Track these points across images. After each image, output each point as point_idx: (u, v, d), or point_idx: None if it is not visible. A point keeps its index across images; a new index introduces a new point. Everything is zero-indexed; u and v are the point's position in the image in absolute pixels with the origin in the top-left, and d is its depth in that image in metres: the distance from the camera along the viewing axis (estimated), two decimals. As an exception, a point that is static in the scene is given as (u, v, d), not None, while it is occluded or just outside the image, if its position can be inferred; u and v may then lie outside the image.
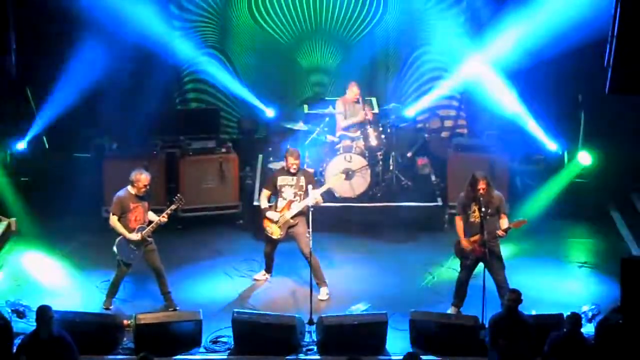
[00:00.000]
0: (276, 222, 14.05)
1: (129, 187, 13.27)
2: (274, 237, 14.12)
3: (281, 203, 14.14)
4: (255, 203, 16.68)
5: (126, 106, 17.69)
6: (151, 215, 13.44)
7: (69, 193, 16.63)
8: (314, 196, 13.90)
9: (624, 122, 17.13)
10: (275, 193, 14.23)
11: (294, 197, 14.06)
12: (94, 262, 14.81)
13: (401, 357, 11.25)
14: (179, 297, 13.69)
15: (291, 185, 14.09)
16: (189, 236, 16.33)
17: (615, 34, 12.28)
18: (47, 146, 17.85)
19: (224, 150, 17.04)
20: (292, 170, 14.09)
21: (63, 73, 17.03)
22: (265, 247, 14.46)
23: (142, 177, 13.21)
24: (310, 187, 13.96)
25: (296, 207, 14.00)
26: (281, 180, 14.15)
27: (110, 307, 13.51)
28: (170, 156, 17.09)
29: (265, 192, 14.30)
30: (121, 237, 13.24)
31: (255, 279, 14.67)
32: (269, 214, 14.11)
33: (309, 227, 13.57)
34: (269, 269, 14.63)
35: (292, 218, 14.02)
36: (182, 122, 18.29)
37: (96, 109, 17.64)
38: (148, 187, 13.32)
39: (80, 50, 17.08)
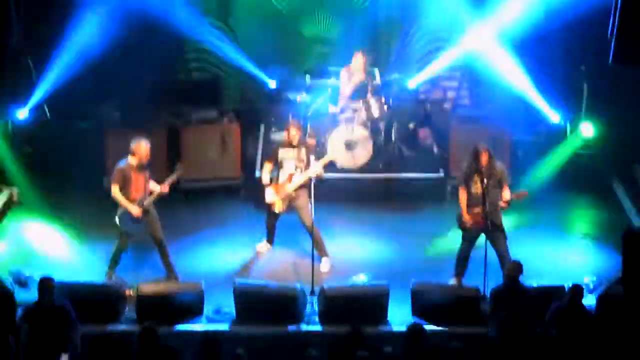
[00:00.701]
0: (276, 197, 14.05)
1: (130, 158, 13.23)
2: (277, 210, 14.13)
3: (282, 176, 14.11)
4: (257, 174, 16.70)
5: (128, 75, 17.59)
6: (153, 185, 13.41)
7: (71, 162, 16.62)
8: (315, 168, 13.88)
9: (627, 94, 17.05)
10: (277, 165, 14.21)
11: (295, 169, 14.05)
12: (96, 232, 14.80)
13: (403, 328, 11.28)
14: (181, 268, 13.70)
15: (292, 158, 14.07)
16: (190, 207, 16.34)
17: (618, 4, 12.24)
18: (48, 115, 17.79)
19: (226, 120, 17.01)
20: (293, 143, 14.06)
21: (64, 41, 16.96)
22: (267, 218, 14.47)
23: (142, 145, 13.17)
24: (312, 158, 13.94)
25: (297, 180, 13.99)
26: (282, 152, 14.12)
27: (113, 277, 13.52)
28: (172, 126, 17.09)
29: (267, 166, 14.26)
30: (123, 208, 13.22)
31: (257, 250, 14.68)
32: (266, 190, 14.10)
33: (310, 199, 13.57)
34: (270, 240, 14.63)
35: (293, 191, 14.01)
36: (184, 92, 18.27)
37: (98, 78, 17.55)
38: (149, 156, 13.30)
39: (82, 19, 16.99)
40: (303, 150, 14.09)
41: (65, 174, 16.42)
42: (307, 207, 13.81)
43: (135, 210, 13.17)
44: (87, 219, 15.55)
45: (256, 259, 14.49)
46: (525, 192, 13.14)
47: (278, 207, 14.11)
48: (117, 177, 13.23)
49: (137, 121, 16.64)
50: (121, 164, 13.28)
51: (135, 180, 13.23)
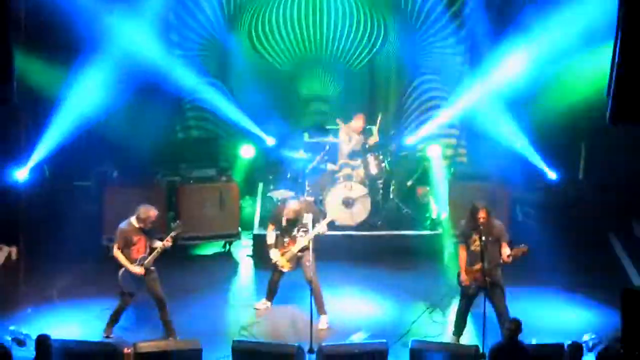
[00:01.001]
0: (282, 258, 14.14)
1: (133, 220, 13.27)
2: (285, 270, 14.24)
3: (287, 238, 14.22)
4: (254, 232, 16.76)
5: (127, 134, 17.69)
6: (157, 243, 13.43)
7: (70, 221, 16.64)
8: (318, 230, 13.97)
9: (624, 151, 17.14)
10: (280, 228, 14.27)
11: (298, 232, 14.15)
12: (94, 290, 14.79)
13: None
14: (180, 326, 13.64)
15: (295, 224, 14.16)
16: (188, 265, 16.35)
17: (616, 62, 12.30)
18: (47, 174, 17.82)
19: (224, 178, 17.06)
20: (293, 219, 14.16)
21: (64, 101, 17.05)
22: (271, 275, 14.50)
23: (151, 213, 13.25)
24: (310, 217, 13.96)
25: (302, 241, 14.07)
26: (285, 220, 14.22)
27: (111, 336, 13.48)
28: (171, 184, 17.15)
29: (271, 227, 14.41)
30: (124, 268, 13.23)
31: (256, 308, 14.65)
32: (271, 252, 14.23)
33: (312, 255, 13.62)
34: (270, 297, 14.62)
35: (299, 251, 14.07)
36: (183, 151, 18.38)
37: (97, 137, 17.63)
38: (153, 223, 13.36)
39: (82, 78, 17.10)
40: (304, 215, 14.13)
41: (64, 232, 16.40)
42: (311, 263, 13.85)
43: (137, 270, 13.17)
44: (86, 276, 15.52)
45: (255, 317, 14.44)
46: (525, 248, 13.07)
47: (286, 267, 14.23)
48: (119, 239, 13.26)
49: (136, 180, 16.69)
50: (124, 226, 13.31)
51: (137, 241, 13.26)
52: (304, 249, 14.05)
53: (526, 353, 11.74)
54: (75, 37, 16.94)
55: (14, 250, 16.01)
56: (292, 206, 14.21)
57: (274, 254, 14.22)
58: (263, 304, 14.65)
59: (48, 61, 16.98)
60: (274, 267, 14.33)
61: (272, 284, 14.53)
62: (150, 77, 17.62)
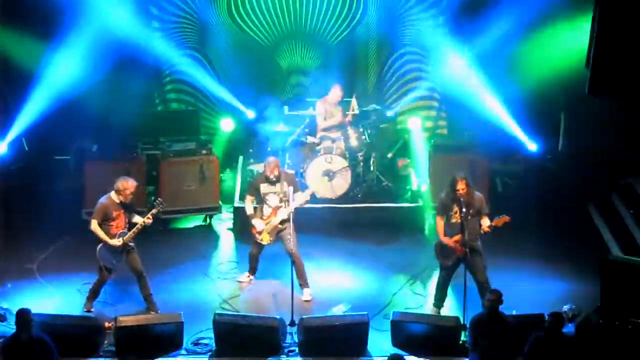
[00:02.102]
0: (264, 229, 14.05)
1: (113, 194, 13.23)
2: (264, 243, 14.14)
3: (267, 210, 14.13)
4: (235, 205, 16.75)
5: (106, 108, 17.63)
6: (137, 218, 13.40)
7: (49, 195, 16.60)
8: (299, 200, 13.91)
9: (604, 122, 17.19)
10: (259, 198, 14.20)
11: (280, 202, 14.07)
12: (75, 265, 14.74)
13: (384, 358, 11.26)
14: (160, 300, 13.64)
15: (275, 192, 14.08)
16: (169, 238, 16.35)
17: (594, 35, 12.32)
18: (26, 148, 17.77)
19: (204, 152, 17.01)
20: (272, 179, 14.06)
21: (43, 74, 16.97)
22: (251, 249, 14.45)
23: (129, 185, 13.19)
24: (291, 190, 13.92)
25: (283, 213, 13.97)
26: (264, 187, 14.11)
27: (91, 310, 13.46)
28: (151, 158, 17.10)
29: (249, 198, 14.27)
30: (102, 242, 13.20)
31: (239, 281, 14.66)
32: (254, 221, 14.12)
33: (293, 228, 13.59)
34: (252, 271, 14.62)
35: (280, 223, 14.01)
36: (163, 124, 18.30)
37: (76, 111, 17.55)
38: (133, 194, 13.31)
39: (60, 51, 17.02)
40: (284, 183, 14.08)
41: (44, 206, 16.36)
42: (292, 236, 13.82)
43: (116, 242, 13.14)
44: (66, 251, 15.50)
45: (236, 290, 14.45)
46: (507, 218, 13.02)
47: (265, 240, 14.11)
48: (98, 213, 13.20)
49: (116, 153, 16.64)
50: (103, 201, 13.26)
51: (116, 216, 13.23)
52: (284, 221, 14.00)
53: (507, 324, 11.82)
54: (54, 10, 16.85)
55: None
56: (271, 160, 14.08)
57: (258, 223, 14.08)
58: (246, 277, 14.64)
59: (26, 34, 16.92)
60: (254, 241, 14.28)
61: (253, 258, 14.49)
62: (129, 50, 17.55)
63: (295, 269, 13.73)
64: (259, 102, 18.49)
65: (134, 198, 13.45)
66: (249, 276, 14.64)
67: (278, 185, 14.08)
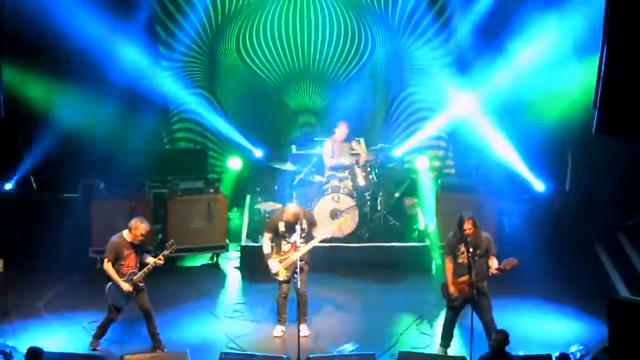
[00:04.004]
0: (280, 266, 13.92)
1: (125, 233, 13.27)
2: (280, 278, 13.94)
3: (285, 246, 13.99)
4: (242, 243, 16.77)
5: (114, 146, 17.69)
6: (147, 258, 13.43)
7: (57, 233, 16.63)
8: (321, 236, 13.91)
9: (611, 161, 17.20)
10: (277, 236, 14.04)
11: (300, 238, 13.82)
12: (81, 303, 14.75)
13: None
14: (167, 338, 13.61)
15: (295, 230, 13.87)
16: (176, 276, 16.32)
17: (602, 75, 12.36)
18: (34, 186, 17.82)
19: (212, 190, 17.03)
20: (293, 222, 13.89)
21: (51, 112, 17.06)
22: (278, 292, 14.11)
23: (142, 226, 13.21)
24: (314, 230, 13.94)
25: (302, 249, 13.76)
26: (283, 225, 14.01)
27: (98, 348, 13.43)
28: (158, 196, 17.13)
29: (267, 235, 14.11)
30: (112, 282, 13.22)
31: (275, 336, 14.18)
32: (269, 262, 13.93)
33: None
34: (283, 321, 14.20)
35: (298, 260, 13.66)
36: (171, 162, 18.36)
37: (84, 148, 17.63)
38: (144, 236, 13.34)
39: (69, 90, 17.11)
40: (304, 220, 13.96)
41: (51, 244, 16.38)
42: (305, 274, 13.80)
43: (126, 287, 13.16)
44: (73, 289, 15.51)
45: (242, 329, 14.38)
46: (515, 261, 13.00)
47: (282, 275, 13.93)
48: (110, 252, 13.22)
49: (123, 191, 16.67)
50: (115, 238, 13.28)
51: (127, 255, 13.24)
52: (302, 258, 13.79)
53: (514, 364, 11.77)
54: (62, 49, 16.96)
55: (0, 262, 15.96)
56: (292, 209, 13.98)
57: (274, 264, 13.92)
58: (280, 331, 14.21)
59: (35, 73, 17.01)
60: (279, 283, 14.02)
61: (281, 304, 14.10)
62: (137, 88, 17.64)
63: (301, 307, 13.70)
64: (266, 141, 18.56)
65: (144, 240, 13.46)
66: (282, 330, 14.21)
67: (298, 222, 13.88)
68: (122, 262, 13.22)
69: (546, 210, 17.93)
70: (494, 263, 13.06)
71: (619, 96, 12.31)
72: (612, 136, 14.20)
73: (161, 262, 13.30)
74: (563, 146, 18.02)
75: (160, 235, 16.79)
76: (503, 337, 11.70)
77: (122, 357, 12.39)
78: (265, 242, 14.10)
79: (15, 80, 15.83)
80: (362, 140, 17.63)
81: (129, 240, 13.23)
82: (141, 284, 13.32)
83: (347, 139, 17.23)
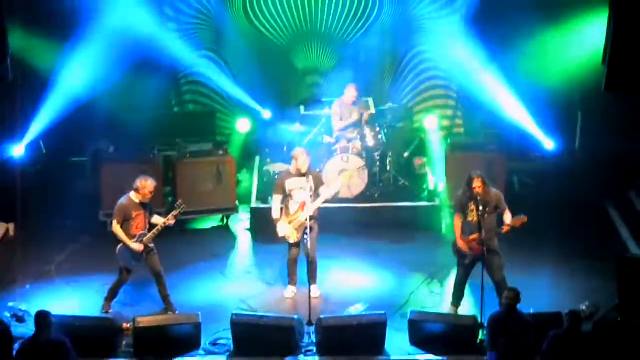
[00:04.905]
0: (290, 227, 13.83)
1: (132, 194, 13.24)
2: (291, 240, 13.87)
3: (293, 207, 13.88)
4: (252, 205, 16.78)
5: (123, 109, 17.69)
6: (157, 219, 13.42)
7: (67, 197, 16.66)
8: (329, 193, 13.83)
9: (621, 121, 17.14)
10: (286, 196, 13.94)
11: (308, 197, 13.63)
12: (92, 266, 14.81)
13: (400, 358, 11.22)
14: (179, 300, 13.66)
15: (302, 188, 13.75)
16: (186, 239, 16.35)
17: (612, 32, 12.29)
18: (44, 151, 17.83)
19: (221, 152, 17.03)
20: (302, 171, 13.81)
21: (59, 77, 17.03)
22: (288, 255, 14.09)
23: (149, 184, 13.17)
24: (320, 187, 13.86)
25: (310, 208, 13.60)
26: (290, 184, 13.86)
27: (110, 311, 13.49)
28: (168, 159, 17.13)
29: (276, 197, 13.95)
30: (122, 244, 13.24)
31: (286, 297, 14.22)
32: (278, 226, 13.82)
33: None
34: (294, 282, 14.19)
35: (307, 220, 13.55)
36: (179, 125, 18.36)
37: (93, 113, 17.62)
38: (153, 193, 13.33)
39: (76, 54, 17.08)
40: (311, 178, 13.80)
41: (62, 208, 16.42)
42: (315, 237, 13.78)
43: (136, 247, 13.18)
44: (84, 252, 15.56)
45: (253, 291, 14.41)
46: (524, 218, 12.99)
47: (293, 238, 13.84)
48: (119, 214, 13.20)
49: (132, 155, 16.68)
50: (123, 201, 13.26)
51: (137, 217, 13.23)
52: (312, 217, 13.65)
53: (525, 322, 11.77)
54: (70, 13, 16.92)
55: (11, 226, 15.99)
56: (301, 152, 13.86)
57: (282, 228, 13.83)
58: (291, 292, 14.23)
59: (42, 37, 16.98)
60: (288, 245, 13.96)
61: (292, 264, 14.07)
62: (145, 52, 17.61)
63: (310, 270, 13.73)
64: (275, 102, 18.54)
65: (153, 198, 13.46)
66: (293, 291, 14.24)
67: (305, 179, 13.77)
68: (132, 224, 13.21)
69: (556, 168, 17.90)
70: (507, 217, 13.04)
71: (629, 53, 12.26)
72: (622, 96, 14.16)
73: (171, 222, 13.29)
74: (573, 105, 17.95)
75: (170, 198, 16.79)
76: (515, 295, 11.71)
77: (134, 319, 12.47)
78: (275, 206, 13.96)
79: (22, 44, 15.79)
80: (370, 100, 17.57)
81: (137, 201, 13.21)
82: (151, 245, 13.33)
83: (357, 101, 17.16)
